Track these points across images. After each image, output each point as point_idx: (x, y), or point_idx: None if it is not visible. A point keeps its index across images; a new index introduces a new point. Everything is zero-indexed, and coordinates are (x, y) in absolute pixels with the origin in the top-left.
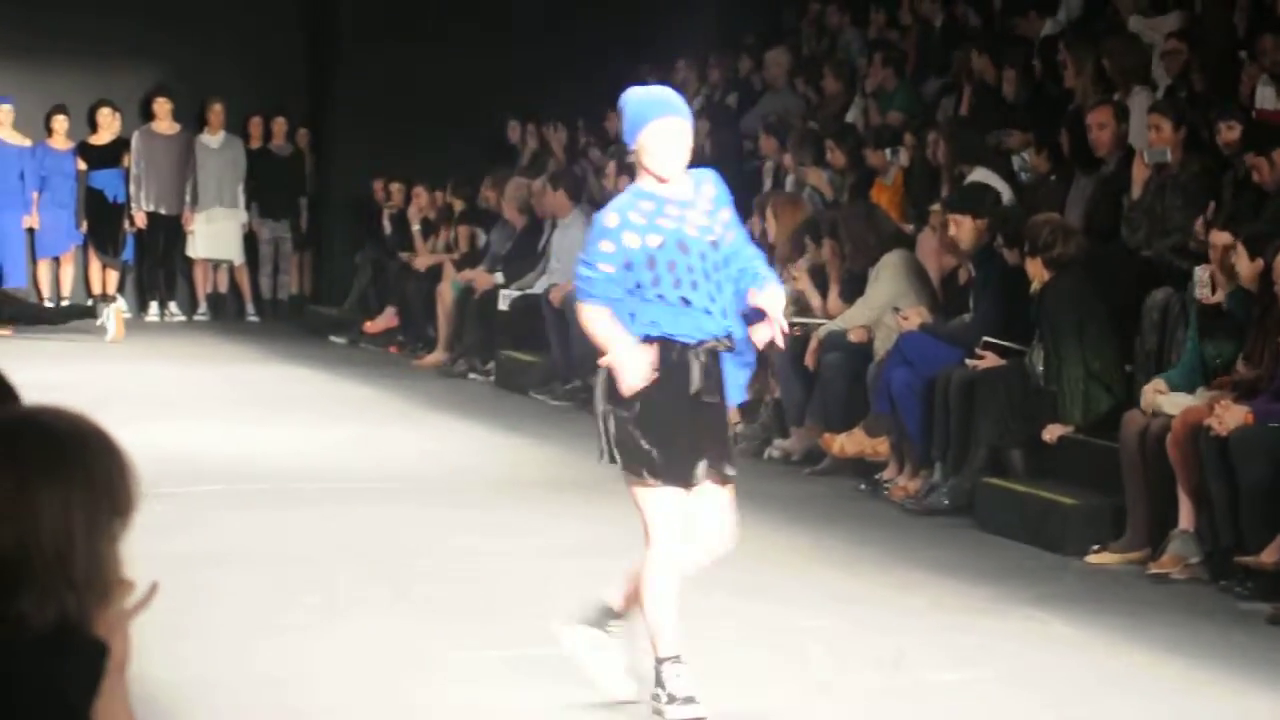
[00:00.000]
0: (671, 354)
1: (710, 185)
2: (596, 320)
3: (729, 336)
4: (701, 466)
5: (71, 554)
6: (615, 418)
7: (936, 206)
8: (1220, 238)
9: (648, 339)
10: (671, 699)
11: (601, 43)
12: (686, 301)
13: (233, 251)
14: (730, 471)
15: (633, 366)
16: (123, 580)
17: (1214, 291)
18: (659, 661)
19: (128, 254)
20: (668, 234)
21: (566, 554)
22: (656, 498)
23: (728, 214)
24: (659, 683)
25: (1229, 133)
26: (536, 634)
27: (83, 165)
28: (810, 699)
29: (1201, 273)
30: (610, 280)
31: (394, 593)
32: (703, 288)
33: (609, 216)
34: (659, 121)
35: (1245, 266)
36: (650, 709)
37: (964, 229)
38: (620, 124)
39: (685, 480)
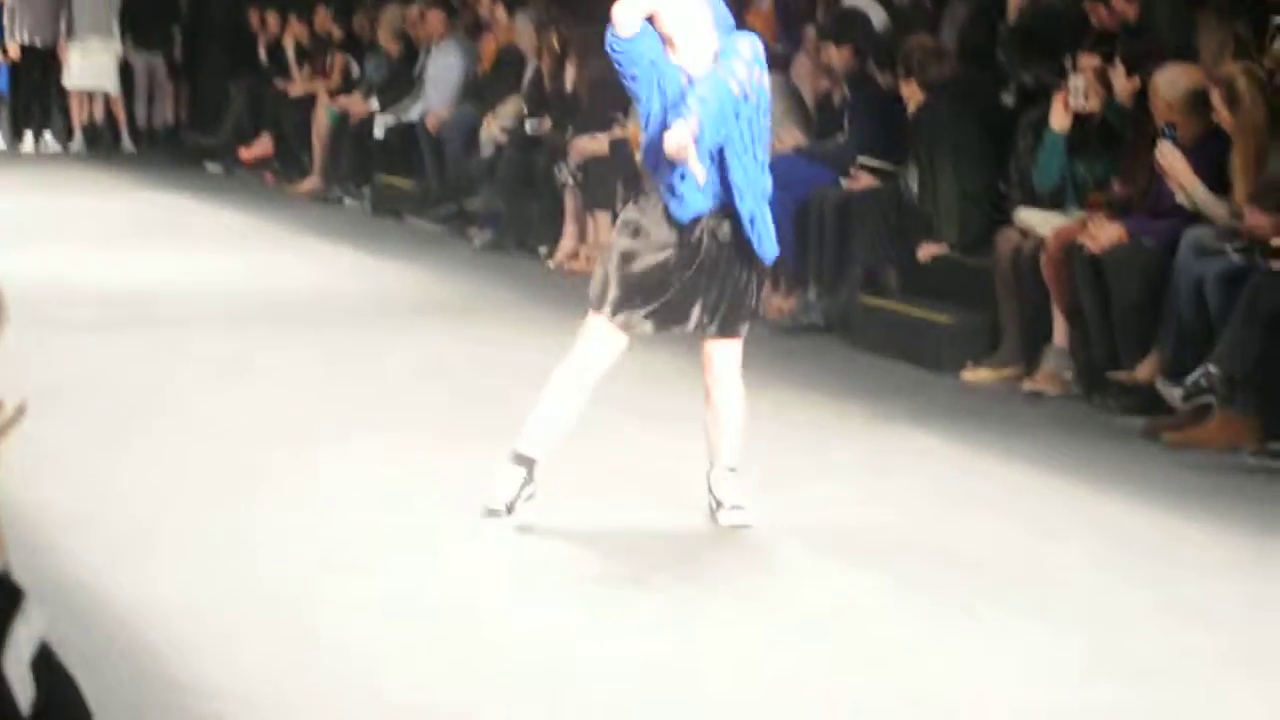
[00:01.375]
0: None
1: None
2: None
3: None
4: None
5: None
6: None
7: (811, 30)
8: (1090, 61)
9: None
10: (496, 499)
11: None
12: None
13: (108, 81)
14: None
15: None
16: None
17: (1087, 99)
18: (515, 455)
19: (1, 86)
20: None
21: (444, 372)
22: (603, 328)
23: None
24: (503, 473)
25: None
26: (415, 450)
27: None
28: (681, 512)
29: (1077, 80)
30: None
31: (275, 412)
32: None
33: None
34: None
35: (1122, 84)
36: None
37: (839, 54)
38: None
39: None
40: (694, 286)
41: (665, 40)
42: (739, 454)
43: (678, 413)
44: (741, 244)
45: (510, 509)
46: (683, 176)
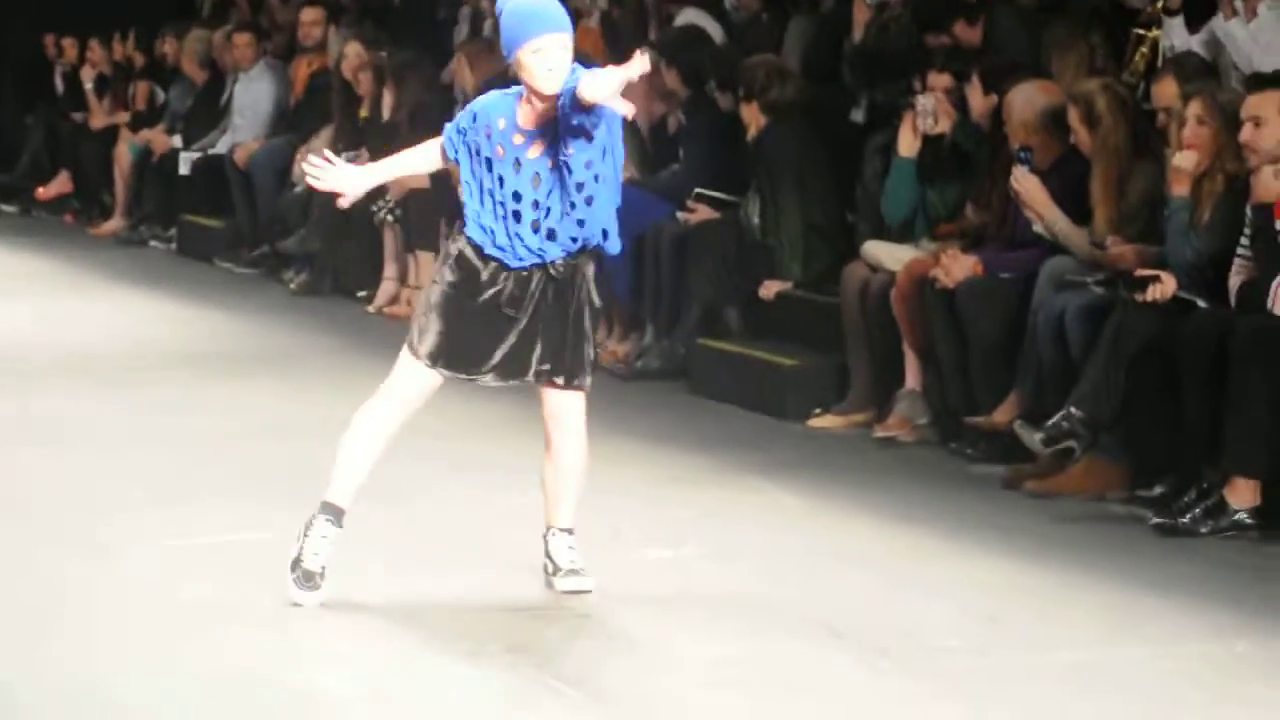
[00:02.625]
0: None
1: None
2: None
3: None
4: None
5: None
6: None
7: (642, 52)
8: (941, 80)
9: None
10: (302, 556)
11: None
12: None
13: None
14: (570, 380)
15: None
16: None
17: (937, 121)
18: (324, 505)
19: None
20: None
21: (258, 433)
22: (410, 368)
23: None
24: (307, 525)
25: None
26: (225, 520)
27: None
28: (515, 576)
29: (925, 101)
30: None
31: (72, 478)
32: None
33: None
34: (539, 39)
35: (979, 101)
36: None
37: (672, 76)
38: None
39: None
40: (532, 330)
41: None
42: (575, 513)
43: (508, 465)
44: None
45: (322, 569)
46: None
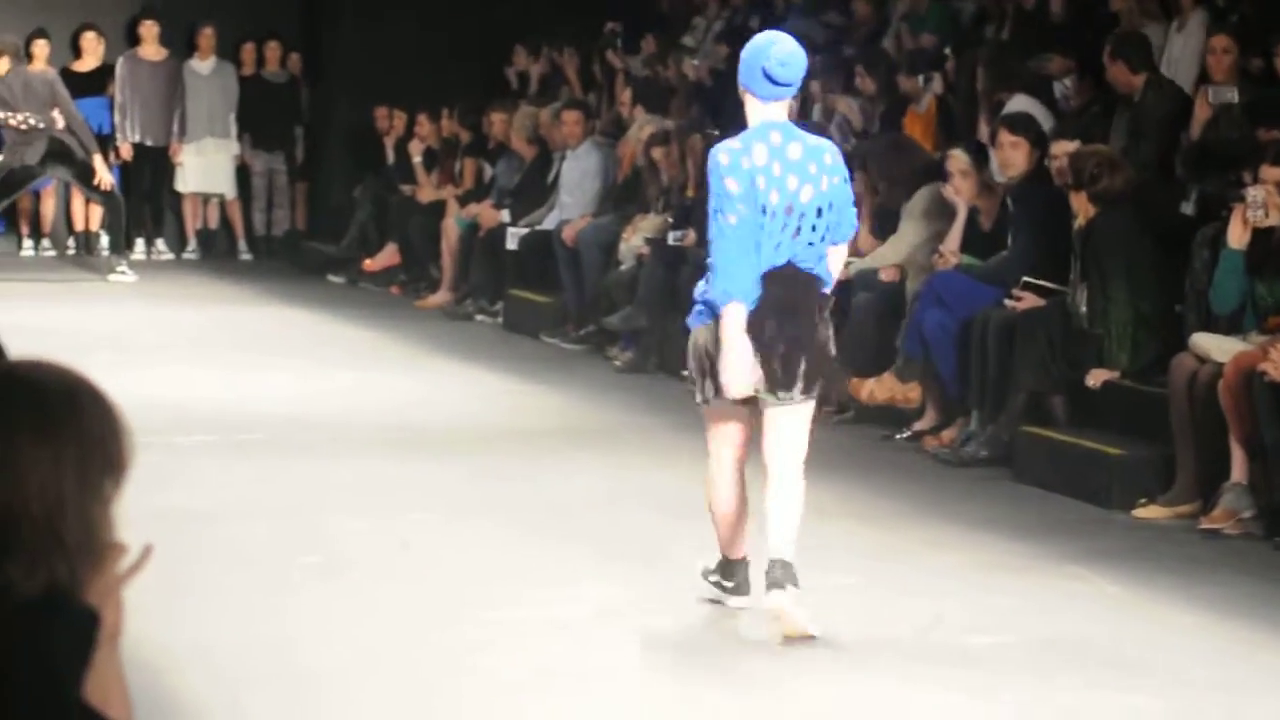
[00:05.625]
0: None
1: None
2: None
3: None
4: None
5: (62, 516)
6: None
7: (956, 152)
8: (1273, 173)
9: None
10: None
11: None
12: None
13: (224, 185)
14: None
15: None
16: (115, 543)
17: (1268, 214)
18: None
19: None
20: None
21: (582, 508)
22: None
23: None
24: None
25: None
26: (547, 594)
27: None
28: (838, 663)
29: (1256, 192)
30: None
31: (398, 550)
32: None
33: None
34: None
35: None
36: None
37: (1019, 153)
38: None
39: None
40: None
41: None
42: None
43: None
44: None
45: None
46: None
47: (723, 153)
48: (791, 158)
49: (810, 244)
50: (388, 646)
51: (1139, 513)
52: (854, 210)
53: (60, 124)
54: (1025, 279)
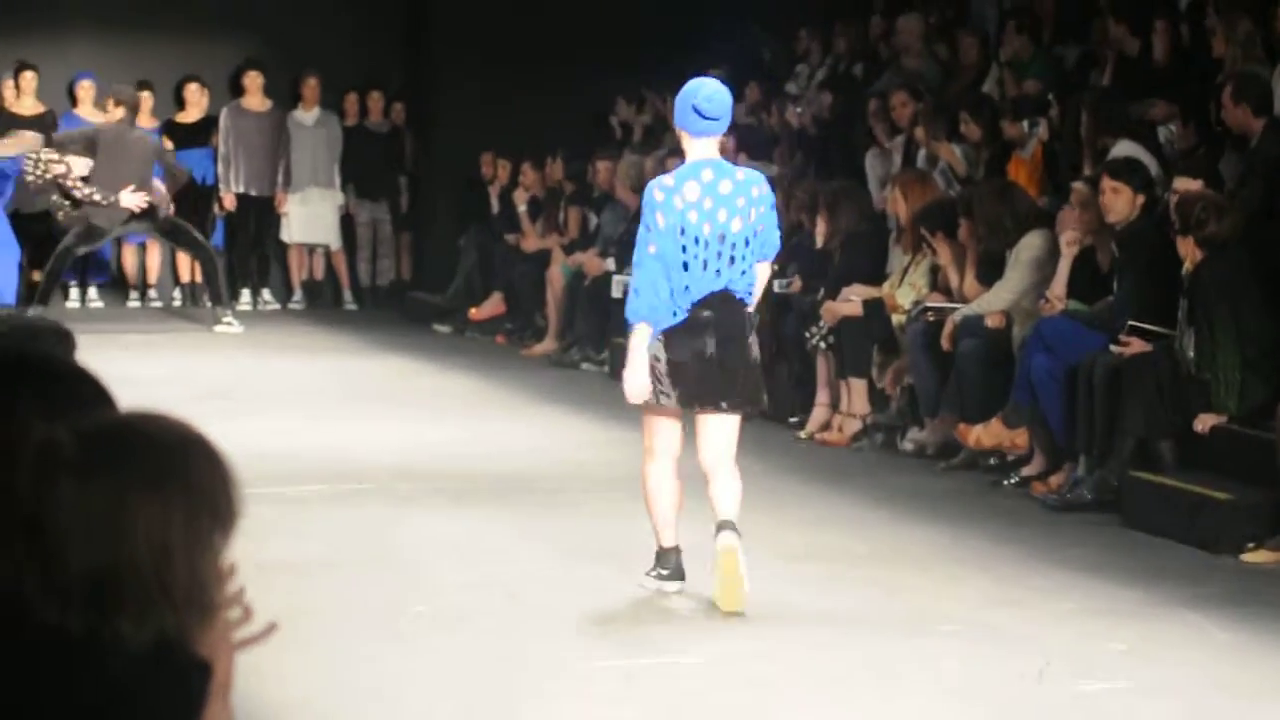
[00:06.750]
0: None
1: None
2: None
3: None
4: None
5: (171, 570)
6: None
7: (1079, 184)
8: None
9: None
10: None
11: (719, 11)
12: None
13: (329, 235)
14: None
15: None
16: (225, 597)
17: None
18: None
19: (217, 239)
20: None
21: (690, 556)
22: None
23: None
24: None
25: None
26: (658, 643)
27: (169, 145)
28: (947, 710)
29: None
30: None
31: (507, 600)
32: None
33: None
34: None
35: None
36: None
37: (1121, 199)
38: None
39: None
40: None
41: None
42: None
43: None
44: None
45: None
46: None
47: (657, 189)
48: (722, 193)
49: (743, 272)
50: (497, 697)
51: (1247, 557)
52: (778, 232)
53: (124, 202)
54: (1132, 323)
